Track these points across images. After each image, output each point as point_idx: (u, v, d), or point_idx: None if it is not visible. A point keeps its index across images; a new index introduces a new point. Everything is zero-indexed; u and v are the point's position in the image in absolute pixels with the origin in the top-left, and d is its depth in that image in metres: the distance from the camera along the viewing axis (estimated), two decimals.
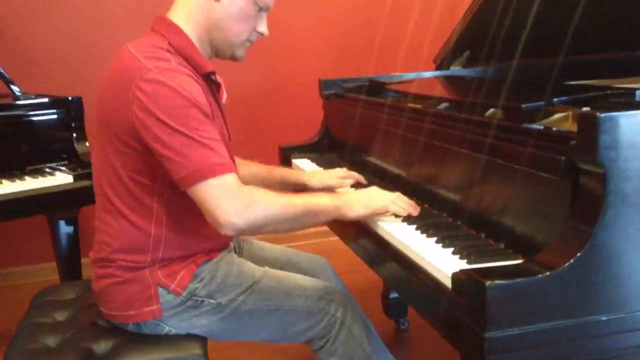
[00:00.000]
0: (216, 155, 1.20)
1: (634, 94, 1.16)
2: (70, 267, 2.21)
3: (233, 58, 1.40)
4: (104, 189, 1.31)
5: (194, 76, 1.27)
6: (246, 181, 1.57)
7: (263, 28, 1.37)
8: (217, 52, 1.38)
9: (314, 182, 1.66)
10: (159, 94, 1.18)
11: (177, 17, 1.33)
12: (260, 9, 1.35)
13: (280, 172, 1.73)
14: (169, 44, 1.29)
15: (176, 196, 1.27)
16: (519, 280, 0.89)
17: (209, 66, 1.34)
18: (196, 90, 1.23)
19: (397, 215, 1.34)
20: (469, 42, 2.03)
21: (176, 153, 1.18)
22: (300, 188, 1.68)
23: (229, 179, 1.20)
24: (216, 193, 1.18)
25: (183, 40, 1.31)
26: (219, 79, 1.40)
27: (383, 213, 1.35)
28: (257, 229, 1.24)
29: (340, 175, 1.66)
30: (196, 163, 1.17)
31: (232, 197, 1.19)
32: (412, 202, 1.37)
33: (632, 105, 0.96)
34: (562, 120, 1.25)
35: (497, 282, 0.88)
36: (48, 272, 2.58)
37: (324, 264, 1.66)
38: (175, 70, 1.22)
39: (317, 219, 1.32)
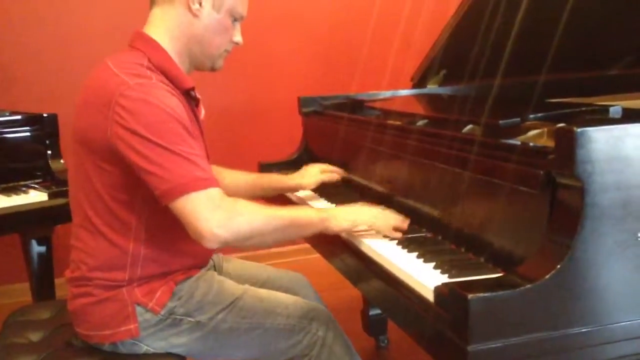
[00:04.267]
0: (199, 169, 1.18)
1: (607, 111, 1.18)
2: (43, 287, 2.15)
3: (213, 69, 1.41)
4: (82, 206, 1.29)
5: (174, 92, 1.27)
6: (230, 189, 1.58)
7: (238, 37, 1.40)
8: (196, 65, 1.39)
9: (306, 181, 1.67)
10: (140, 110, 1.18)
11: (155, 32, 1.33)
12: (235, 20, 1.38)
13: (268, 178, 1.75)
14: (149, 60, 1.28)
15: (155, 213, 1.26)
16: (500, 292, 0.89)
17: (188, 82, 1.34)
18: (177, 106, 1.22)
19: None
20: (446, 61, 2.06)
21: (158, 167, 1.16)
22: (293, 190, 1.69)
23: (213, 192, 1.18)
24: (198, 206, 1.16)
25: (162, 56, 1.30)
26: (197, 95, 1.40)
27: (367, 230, 1.35)
28: (242, 241, 1.22)
29: (324, 168, 1.67)
30: (179, 177, 1.16)
31: (215, 209, 1.17)
32: (399, 217, 1.36)
33: (607, 121, 0.99)
34: (537, 136, 1.27)
35: (479, 295, 0.88)
36: (21, 293, 2.51)
37: (303, 282, 1.65)
38: (155, 87, 1.22)
39: (302, 232, 1.33)
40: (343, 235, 1.39)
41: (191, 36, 1.33)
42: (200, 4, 1.31)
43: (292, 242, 2.84)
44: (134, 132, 1.17)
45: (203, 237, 1.17)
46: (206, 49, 1.36)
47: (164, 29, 1.32)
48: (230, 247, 1.22)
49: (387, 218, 1.35)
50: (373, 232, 1.35)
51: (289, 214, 1.30)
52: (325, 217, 1.32)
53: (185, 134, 1.20)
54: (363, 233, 1.36)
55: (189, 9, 1.31)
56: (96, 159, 1.24)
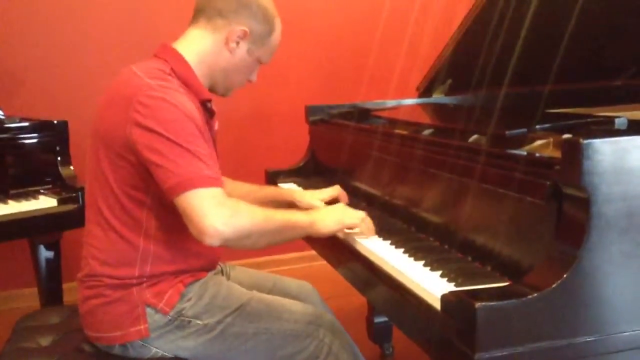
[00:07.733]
0: (207, 168, 1.23)
1: (613, 122, 1.20)
2: (51, 292, 2.17)
3: (223, 96, 1.50)
4: (97, 201, 1.33)
5: (192, 99, 1.32)
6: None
7: (254, 77, 1.52)
8: (211, 88, 1.46)
9: (303, 202, 1.68)
10: (157, 108, 1.23)
11: (184, 49, 1.39)
12: (260, 63, 1.48)
13: (272, 190, 1.77)
14: (171, 69, 1.35)
15: (166, 212, 1.30)
16: (508, 301, 0.90)
17: (206, 93, 1.40)
18: (192, 109, 1.28)
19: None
20: (452, 70, 2.08)
21: (169, 161, 1.21)
22: (289, 206, 1.70)
23: (218, 191, 1.23)
24: (203, 201, 1.20)
25: (184, 67, 1.37)
26: (213, 107, 1.44)
27: (351, 228, 1.42)
28: (240, 240, 1.25)
29: (332, 194, 1.68)
30: (187, 172, 1.20)
31: (220, 206, 1.21)
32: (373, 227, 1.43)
33: (613, 132, 1.00)
34: (542, 146, 1.28)
35: (486, 303, 0.89)
36: (29, 298, 2.52)
37: (309, 289, 1.67)
38: (174, 89, 1.29)
39: (294, 234, 1.37)
40: (349, 242, 1.41)
41: (219, 66, 1.41)
42: (237, 44, 1.39)
43: (298, 249, 2.85)
44: (149, 127, 1.22)
45: (205, 233, 1.19)
46: (227, 81, 1.45)
47: (195, 49, 1.39)
48: (226, 246, 1.25)
49: (369, 221, 1.42)
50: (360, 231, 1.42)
51: (283, 216, 1.35)
52: (313, 221, 1.37)
53: (198, 134, 1.26)
54: (352, 232, 1.43)
55: (226, 43, 1.39)
56: (113, 155, 1.28)
